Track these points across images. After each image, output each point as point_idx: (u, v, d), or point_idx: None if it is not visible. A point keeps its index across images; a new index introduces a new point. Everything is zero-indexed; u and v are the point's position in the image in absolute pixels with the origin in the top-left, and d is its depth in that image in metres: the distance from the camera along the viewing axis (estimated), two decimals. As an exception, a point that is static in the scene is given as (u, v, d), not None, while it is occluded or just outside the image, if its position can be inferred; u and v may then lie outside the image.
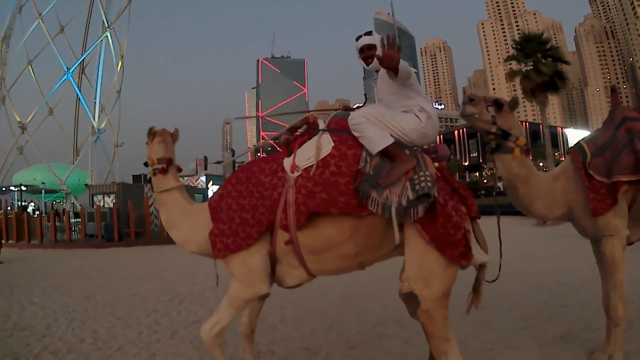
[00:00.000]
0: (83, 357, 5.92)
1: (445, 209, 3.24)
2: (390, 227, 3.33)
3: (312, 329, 6.55)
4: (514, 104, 4.22)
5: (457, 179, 3.59)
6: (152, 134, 4.47)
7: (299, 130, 4.01)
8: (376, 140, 3.40)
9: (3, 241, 18.71)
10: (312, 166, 3.51)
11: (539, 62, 34.07)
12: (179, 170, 4.52)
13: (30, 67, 50.91)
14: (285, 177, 3.60)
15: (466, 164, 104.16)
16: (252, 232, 3.63)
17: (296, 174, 3.54)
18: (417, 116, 3.54)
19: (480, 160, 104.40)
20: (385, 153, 3.40)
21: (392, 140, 3.41)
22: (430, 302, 3.24)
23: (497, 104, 4.17)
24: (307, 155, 3.58)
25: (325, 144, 3.58)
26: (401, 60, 3.35)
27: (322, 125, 3.81)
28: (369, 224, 3.42)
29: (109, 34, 52.20)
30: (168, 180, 4.34)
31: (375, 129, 3.44)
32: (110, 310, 8.48)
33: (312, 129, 3.82)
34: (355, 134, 3.51)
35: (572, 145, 4.80)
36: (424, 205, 3.19)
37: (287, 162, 3.66)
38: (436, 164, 3.48)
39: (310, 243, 3.54)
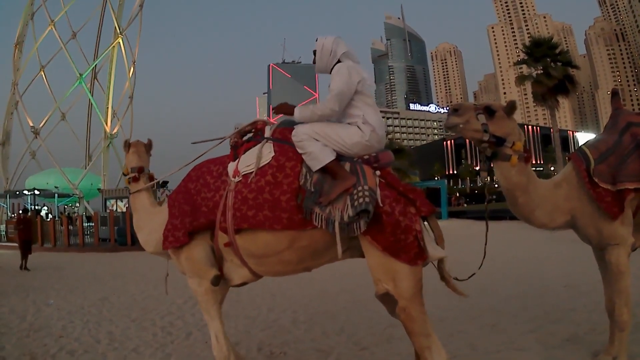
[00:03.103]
0: (100, 357, 6.07)
1: (392, 216, 3.34)
2: (335, 236, 3.43)
3: (323, 331, 6.65)
4: (510, 108, 4.01)
5: (406, 183, 3.59)
6: (127, 145, 4.93)
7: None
8: (317, 157, 3.50)
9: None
10: (251, 173, 3.69)
11: (549, 67, 34.01)
12: (151, 178, 4.87)
13: (42, 73, 51.14)
14: (227, 181, 3.80)
15: (477, 168, 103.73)
16: (187, 229, 3.89)
17: (237, 179, 3.73)
18: (361, 129, 3.60)
19: (492, 165, 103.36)
20: (325, 169, 3.50)
21: (332, 157, 3.51)
22: (404, 300, 3.36)
23: (488, 111, 3.96)
24: (248, 162, 3.75)
25: (265, 153, 3.73)
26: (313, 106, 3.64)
27: (268, 132, 3.94)
28: (310, 236, 3.55)
29: (121, 41, 52.47)
30: (139, 186, 4.73)
31: (316, 146, 3.53)
32: (125, 312, 8.64)
33: (258, 136, 3.97)
34: (299, 151, 3.62)
35: (573, 151, 4.66)
36: (364, 220, 3.30)
37: (231, 167, 3.85)
38: (378, 172, 3.55)
39: (248, 247, 3.71)
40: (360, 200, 3.29)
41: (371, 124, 3.60)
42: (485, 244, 4.18)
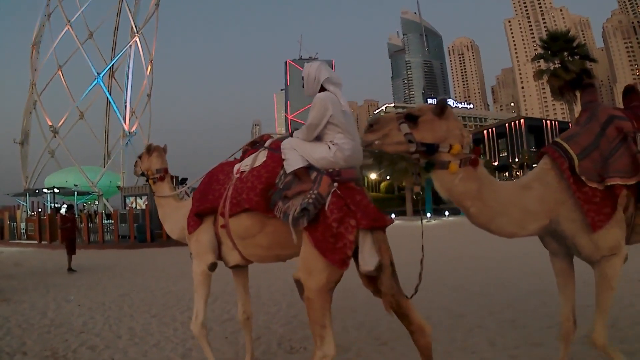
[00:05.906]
0: (120, 352, 6.17)
1: (328, 220, 3.80)
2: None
3: (343, 326, 6.70)
4: (438, 109, 3.55)
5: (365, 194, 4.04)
6: (151, 149, 5.79)
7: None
8: (291, 163, 4.15)
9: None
10: (246, 171, 4.51)
11: (566, 60, 33.77)
12: (171, 178, 5.77)
13: (60, 73, 51.50)
14: (232, 177, 4.63)
15: (495, 163, 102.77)
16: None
17: (237, 175, 4.56)
18: (329, 148, 4.11)
19: (510, 160, 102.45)
20: (295, 174, 4.11)
21: (301, 165, 4.12)
22: (311, 291, 3.85)
23: (410, 117, 3.57)
24: (247, 163, 4.59)
25: (260, 157, 4.54)
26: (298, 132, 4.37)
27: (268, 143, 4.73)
28: (274, 224, 4.19)
29: (137, 39, 52.70)
30: (164, 188, 5.63)
31: (293, 154, 4.19)
32: (146, 308, 8.77)
33: (261, 145, 4.75)
34: (283, 156, 4.28)
35: (548, 145, 4.10)
36: (306, 217, 3.82)
37: (236, 167, 4.68)
38: (335, 184, 3.97)
39: (236, 229, 4.46)
40: (307, 200, 3.84)
41: (337, 144, 4.09)
42: (422, 258, 3.87)
